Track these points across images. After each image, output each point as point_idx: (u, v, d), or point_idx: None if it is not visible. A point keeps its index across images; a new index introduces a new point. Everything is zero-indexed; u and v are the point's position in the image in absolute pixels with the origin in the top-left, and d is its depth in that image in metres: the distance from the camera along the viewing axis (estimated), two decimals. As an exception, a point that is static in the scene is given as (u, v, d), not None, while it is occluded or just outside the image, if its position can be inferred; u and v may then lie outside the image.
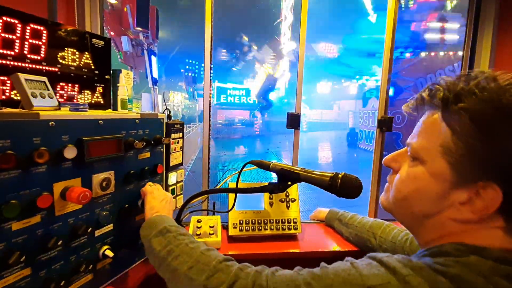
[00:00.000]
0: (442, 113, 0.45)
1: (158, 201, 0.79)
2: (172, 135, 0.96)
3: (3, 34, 0.67)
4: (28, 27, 0.72)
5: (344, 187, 0.64)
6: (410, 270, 0.42)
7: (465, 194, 0.43)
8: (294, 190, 1.14)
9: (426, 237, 0.51)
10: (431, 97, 0.47)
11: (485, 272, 0.39)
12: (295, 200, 1.13)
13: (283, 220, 1.09)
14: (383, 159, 0.59)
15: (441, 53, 8.18)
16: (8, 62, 0.69)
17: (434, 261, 0.42)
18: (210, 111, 1.31)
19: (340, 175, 0.65)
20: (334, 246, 1.04)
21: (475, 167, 0.42)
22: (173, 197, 1.02)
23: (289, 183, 0.76)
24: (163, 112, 0.94)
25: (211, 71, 1.30)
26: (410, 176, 0.50)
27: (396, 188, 0.53)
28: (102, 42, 0.91)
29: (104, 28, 1.30)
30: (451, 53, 8.05)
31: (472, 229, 0.45)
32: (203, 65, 1.29)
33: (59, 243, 0.61)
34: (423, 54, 8.42)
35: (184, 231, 0.69)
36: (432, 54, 8.29)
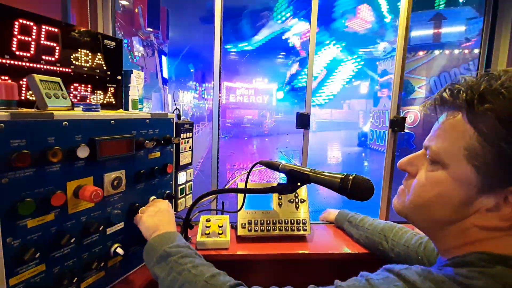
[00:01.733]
0: (466, 114, 0.43)
1: (151, 218, 0.75)
2: (182, 134, 0.97)
3: (19, 36, 0.69)
4: (43, 29, 0.74)
5: (355, 189, 0.62)
6: (431, 284, 0.39)
7: (492, 200, 0.41)
8: (303, 191, 1.13)
9: (447, 244, 0.48)
10: (453, 98, 0.44)
11: None
12: (304, 200, 1.12)
13: (292, 221, 1.08)
14: (398, 162, 0.56)
15: (456, 51, 7.95)
16: (24, 64, 0.71)
17: (456, 272, 0.40)
18: (219, 110, 1.32)
19: (351, 177, 0.64)
20: (344, 248, 1.03)
21: (504, 171, 0.39)
22: (182, 197, 1.02)
23: (299, 184, 0.75)
24: (173, 112, 0.94)
25: (220, 70, 1.30)
26: (430, 181, 0.47)
27: (415, 193, 0.50)
28: (114, 43, 0.93)
29: (116, 29, 1.32)
30: (466, 51, 7.81)
31: (497, 237, 0.42)
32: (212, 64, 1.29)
33: (72, 241, 0.63)
34: (436, 52, 8.20)
35: (186, 251, 0.65)
36: (447, 52, 8.06)
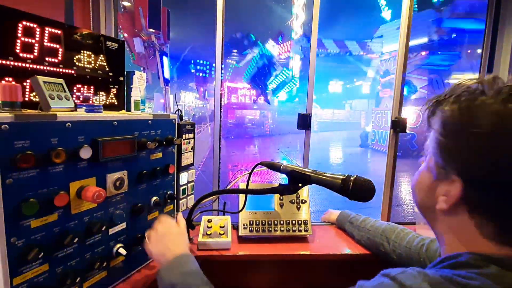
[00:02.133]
0: (429, 116, 0.51)
1: (156, 246, 0.74)
2: (184, 135, 0.97)
3: (23, 38, 0.70)
4: (46, 31, 0.74)
5: (356, 190, 0.63)
6: (428, 286, 0.40)
7: (445, 186, 0.47)
8: (305, 191, 1.13)
9: (435, 231, 0.54)
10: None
11: (510, 284, 0.38)
12: (305, 201, 1.12)
13: (294, 222, 1.08)
14: None
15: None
16: (27, 65, 0.72)
17: (453, 273, 0.41)
18: (221, 111, 1.32)
19: (352, 178, 0.64)
20: (345, 249, 1.03)
21: (448, 160, 0.46)
22: (184, 197, 1.03)
23: (300, 185, 0.76)
24: (175, 113, 0.95)
25: (222, 71, 1.31)
26: (418, 171, 0.55)
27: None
28: (116, 45, 0.93)
29: (118, 30, 1.33)
30: (468, 51, 7.78)
31: (471, 239, 0.45)
32: (214, 65, 1.30)
33: (74, 241, 0.63)
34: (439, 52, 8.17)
35: (191, 279, 0.64)
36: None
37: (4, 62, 0.68)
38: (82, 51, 0.84)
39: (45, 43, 0.74)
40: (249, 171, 0.95)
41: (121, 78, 0.97)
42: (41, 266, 0.60)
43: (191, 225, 0.99)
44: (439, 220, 0.50)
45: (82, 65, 0.84)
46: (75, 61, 0.82)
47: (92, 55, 0.87)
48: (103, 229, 0.70)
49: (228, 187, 1.18)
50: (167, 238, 0.75)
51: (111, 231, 0.75)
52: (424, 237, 0.85)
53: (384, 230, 0.95)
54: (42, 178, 0.57)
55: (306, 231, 1.08)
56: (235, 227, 1.13)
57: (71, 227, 0.64)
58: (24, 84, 0.72)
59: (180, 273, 0.64)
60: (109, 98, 0.94)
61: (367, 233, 1.00)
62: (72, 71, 0.82)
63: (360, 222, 1.06)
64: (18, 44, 0.70)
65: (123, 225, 0.78)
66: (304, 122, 1.31)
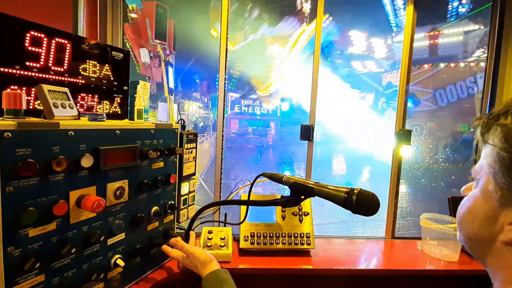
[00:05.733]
0: (482, 132, 0.44)
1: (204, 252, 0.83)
2: (186, 145, 0.97)
3: (30, 48, 0.71)
4: (54, 41, 0.76)
5: (360, 203, 0.61)
6: None
7: None
8: (308, 203, 1.11)
9: (490, 268, 0.47)
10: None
11: None
12: (308, 214, 1.10)
13: (296, 234, 1.06)
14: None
15: (462, 64, 7.95)
16: (33, 74, 0.73)
17: None
18: (223, 121, 1.32)
19: (356, 191, 0.62)
20: (349, 265, 1.00)
21: None
22: (185, 207, 1.02)
23: (302, 197, 0.74)
24: (178, 122, 0.95)
25: (226, 82, 1.32)
26: (466, 198, 0.48)
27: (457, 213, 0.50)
28: (122, 55, 0.95)
29: (124, 40, 1.35)
30: (472, 64, 7.80)
31: None
32: (217, 75, 1.31)
33: (72, 251, 0.62)
34: (442, 65, 8.21)
35: None
36: (452, 65, 8.07)
37: (10, 70, 0.69)
38: (88, 61, 0.85)
39: (51, 53, 0.76)
40: (251, 182, 0.94)
41: (125, 88, 0.98)
42: (37, 276, 0.58)
43: (187, 236, 0.97)
44: (499, 254, 0.43)
45: (87, 74, 0.85)
46: (80, 70, 0.83)
47: (98, 65, 0.88)
48: (101, 239, 0.69)
49: (229, 198, 1.16)
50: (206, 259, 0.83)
51: (110, 241, 0.74)
52: None
53: None
54: (42, 186, 0.57)
55: (309, 244, 1.05)
56: (236, 238, 1.11)
57: (69, 236, 0.63)
58: (30, 92, 0.73)
59: None
60: (113, 107, 0.95)
61: None
62: (77, 80, 0.83)
63: None
64: (25, 53, 0.71)
65: (122, 236, 0.77)
66: (307, 133, 1.30)
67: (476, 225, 0.45)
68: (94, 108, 0.89)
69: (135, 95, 0.96)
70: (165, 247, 0.87)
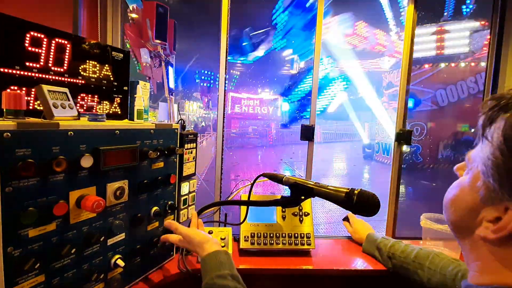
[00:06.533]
0: (483, 129, 0.42)
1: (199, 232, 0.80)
2: (186, 145, 0.97)
3: (30, 48, 0.71)
4: (53, 41, 0.76)
5: (360, 204, 0.61)
6: None
7: (494, 212, 0.40)
8: (308, 204, 1.11)
9: (467, 258, 0.48)
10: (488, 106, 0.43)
11: None
12: (308, 214, 1.10)
13: (296, 235, 1.06)
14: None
15: (462, 64, 7.94)
16: (33, 74, 0.73)
17: None
18: (224, 121, 1.32)
19: (356, 191, 0.62)
20: (352, 264, 1.00)
21: (502, 184, 0.38)
22: (185, 208, 1.02)
23: (303, 197, 0.74)
24: (178, 122, 0.95)
25: (226, 82, 1.32)
26: (455, 184, 0.48)
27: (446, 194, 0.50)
28: (122, 55, 0.95)
29: (124, 40, 1.35)
30: (472, 64, 7.79)
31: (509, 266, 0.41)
32: (218, 75, 1.31)
33: (72, 251, 0.62)
34: (442, 64, 8.20)
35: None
36: (453, 65, 8.06)
37: (10, 71, 0.69)
38: (88, 61, 0.85)
39: (51, 53, 0.76)
40: (251, 182, 0.94)
41: (125, 88, 0.98)
42: (37, 277, 0.58)
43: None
44: (476, 246, 0.44)
45: (87, 74, 0.85)
46: (80, 70, 0.83)
47: (98, 65, 0.88)
48: (101, 239, 0.69)
49: (229, 198, 1.16)
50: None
51: (110, 241, 0.74)
52: (460, 262, 0.79)
53: (417, 256, 0.88)
54: (42, 186, 0.57)
55: (309, 244, 1.05)
56: (236, 239, 1.11)
57: (69, 237, 0.63)
58: (30, 92, 0.73)
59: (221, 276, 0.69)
60: (113, 107, 0.95)
61: (399, 261, 0.92)
62: (77, 80, 0.83)
63: (389, 247, 0.97)
64: (25, 54, 0.71)
65: (122, 236, 0.77)
66: (307, 133, 1.30)
67: (458, 214, 0.46)
68: (94, 108, 0.89)
69: (135, 95, 0.96)
70: (163, 236, 0.87)
